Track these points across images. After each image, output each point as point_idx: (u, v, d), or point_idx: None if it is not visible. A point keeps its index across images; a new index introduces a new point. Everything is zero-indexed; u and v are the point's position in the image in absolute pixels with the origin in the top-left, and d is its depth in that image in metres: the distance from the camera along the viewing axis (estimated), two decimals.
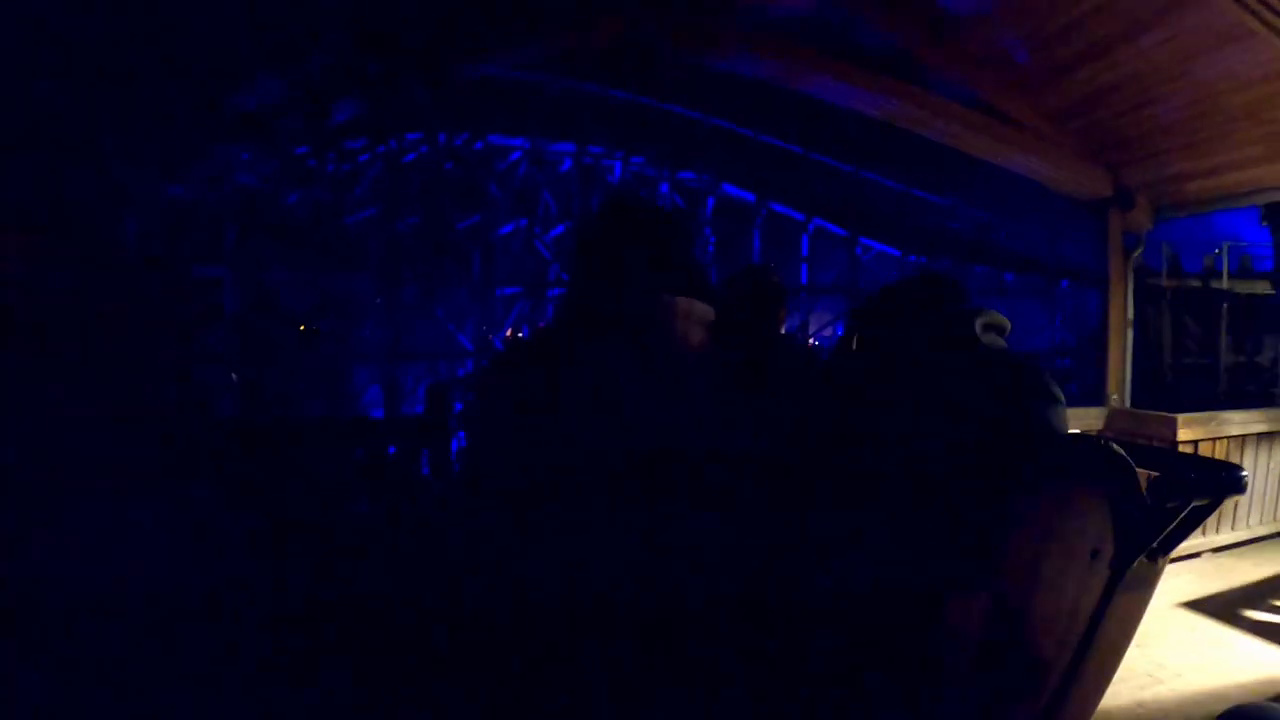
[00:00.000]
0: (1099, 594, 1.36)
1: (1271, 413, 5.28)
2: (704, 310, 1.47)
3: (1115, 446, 1.31)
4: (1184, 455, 1.31)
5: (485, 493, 1.33)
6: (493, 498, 1.30)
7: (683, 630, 1.16)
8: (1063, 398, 1.50)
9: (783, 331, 3.00)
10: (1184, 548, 3.45)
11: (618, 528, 1.15)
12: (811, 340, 18.33)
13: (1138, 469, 1.34)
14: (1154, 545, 1.38)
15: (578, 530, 1.16)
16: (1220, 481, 1.40)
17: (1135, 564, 1.37)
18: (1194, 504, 1.38)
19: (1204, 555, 5.03)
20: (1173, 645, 3.71)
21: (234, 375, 13.81)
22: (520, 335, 19.23)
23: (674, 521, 1.14)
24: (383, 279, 17.64)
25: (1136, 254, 5.52)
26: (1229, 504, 4.75)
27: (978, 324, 1.51)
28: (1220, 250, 15.20)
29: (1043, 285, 19.83)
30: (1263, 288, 14.45)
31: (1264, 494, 5.21)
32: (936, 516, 1.19)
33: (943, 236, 19.86)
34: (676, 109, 18.84)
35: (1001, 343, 1.55)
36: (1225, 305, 14.66)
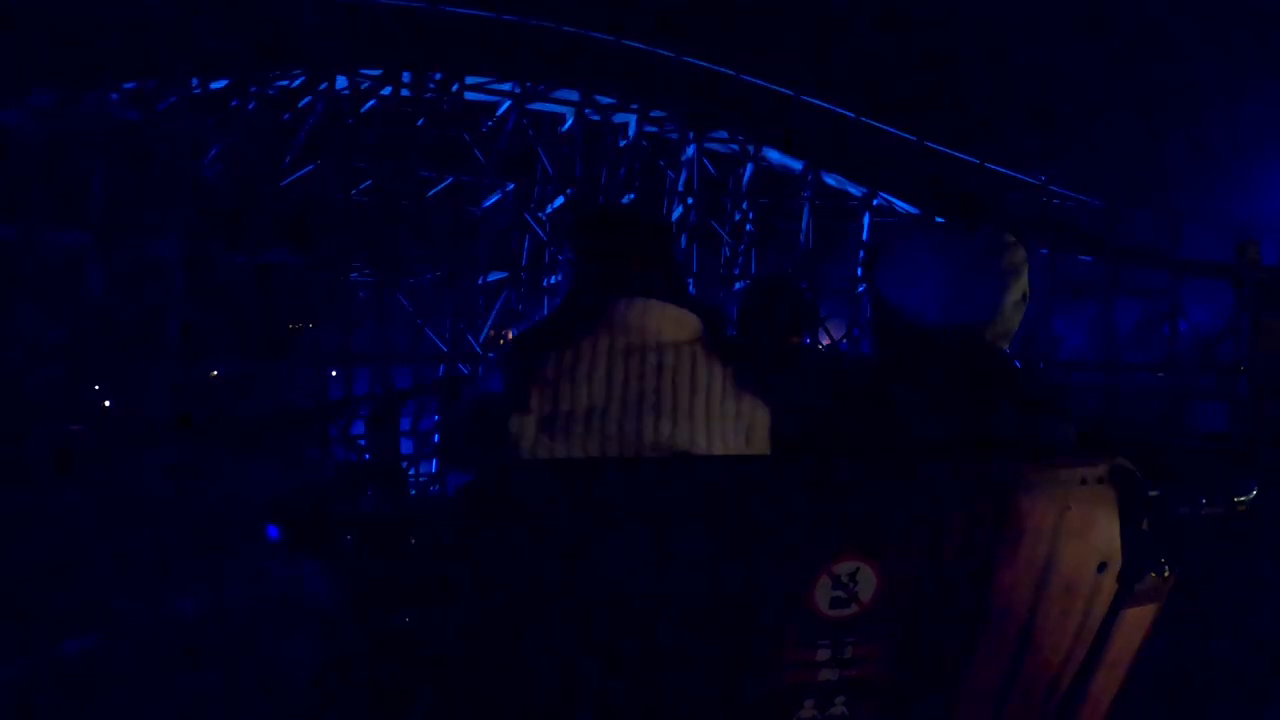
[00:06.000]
0: (1107, 607, 1.59)
1: None
2: (679, 314, 1.79)
3: (1122, 459, 1.55)
4: (1193, 465, 1.51)
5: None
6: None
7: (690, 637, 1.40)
8: (1068, 409, 1.77)
9: (795, 342, 3.32)
10: None
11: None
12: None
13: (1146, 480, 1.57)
14: (1162, 559, 1.61)
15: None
16: (1230, 492, 1.64)
17: (1144, 577, 1.61)
18: (1203, 514, 1.62)
19: None
20: None
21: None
22: (509, 335, 18.90)
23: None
24: (325, 257, 16.86)
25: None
26: None
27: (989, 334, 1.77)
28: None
29: (1164, 282, 19.90)
30: None
31: None
32: (938, 529, 1.44)
33: (1037, 220, 19.89)
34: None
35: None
36: None
